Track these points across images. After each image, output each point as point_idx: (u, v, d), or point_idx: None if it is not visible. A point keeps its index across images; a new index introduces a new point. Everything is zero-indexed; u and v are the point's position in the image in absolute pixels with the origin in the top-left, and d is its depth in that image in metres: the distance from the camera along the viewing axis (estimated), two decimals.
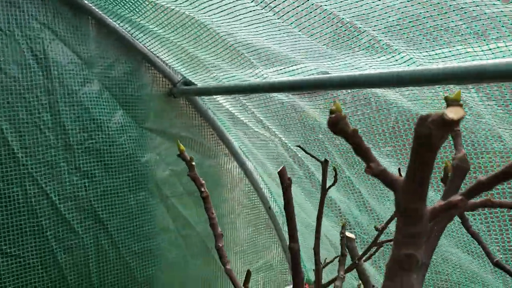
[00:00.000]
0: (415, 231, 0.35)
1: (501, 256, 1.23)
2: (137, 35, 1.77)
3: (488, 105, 0.92)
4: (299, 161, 1.68)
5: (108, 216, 1.79)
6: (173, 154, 2.03)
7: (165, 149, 2.01)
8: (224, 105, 1.82)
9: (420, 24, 0.75)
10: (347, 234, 1.02)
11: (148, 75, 1.95)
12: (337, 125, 0.34)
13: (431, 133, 0.29)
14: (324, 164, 0.91)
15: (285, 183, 0.59)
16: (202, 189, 0.79)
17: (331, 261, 1.15)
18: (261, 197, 2.31)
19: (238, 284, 0.75)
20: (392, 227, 1.28)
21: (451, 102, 0.38)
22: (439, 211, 0.34)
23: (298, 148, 1.64)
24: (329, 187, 0.93)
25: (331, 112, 0.34)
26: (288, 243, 0.64)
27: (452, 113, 0.28)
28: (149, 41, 1.76)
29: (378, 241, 1.03)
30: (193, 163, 0.77)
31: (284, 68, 1.33)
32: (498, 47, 0.72)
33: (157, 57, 1.90)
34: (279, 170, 0.59)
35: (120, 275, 1.82)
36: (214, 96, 1.83)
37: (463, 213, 0.68)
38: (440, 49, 0.80)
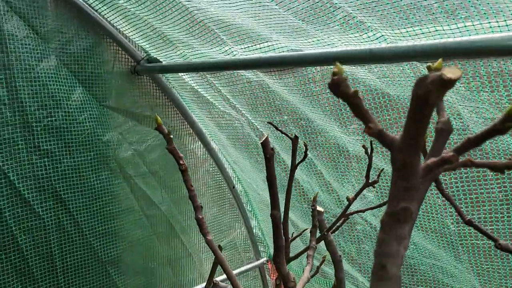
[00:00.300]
0: (410, 185, 0.37)
1: (454, 228, 1.33)
2: (99, 7, 1.70)
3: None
4: None
5: (69, 196, 1.73)
6: (136, 133, 1.99)
7: (128, 129, 1.96)
8: (190, 84, 1.80)
9: (394, 2, 0.78)
10: (318, 208, 1.05)
11: (109, 52, 1.89)
12: (339, 86, 0.35)
13: (430, 93, 0.31)
14: (294, 140, 0.93)
15: (268, 154, 0.61)
16: (181, 162, 0.78)
17: (300, 234, 1.19)
18: (226, 176, 2.32)
19: (219, 253, 0.77)
20: (354, 206, 1.33)
21: (434, 70, 0.41)
22: (432, 167, 0.37)
23: (265, 127, 1.66)
24: (299, 162, 0.96)
25: (334, 74, 0.35)
26: (271, 211, 0.66)
27: (450, 73, 0.30)
28: (112, 14, 1.70)
29: (346, 213, 1.08)
30: (171, 136, 0.77)
31: (254, 45, 1.33)
32: (465, 26, 0.77)
33: (120, 32, 1.84)
34: (262, 140, 0.60)
35: (83, 256, 1.78)
36: (180, 74, 1.81)
37: (437, 177, 0.73)
38: (411, 27, 0.83)
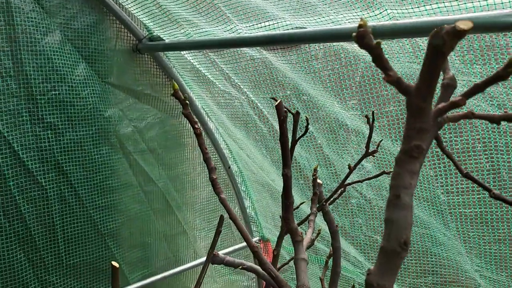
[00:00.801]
0: (423, 126, 0.42)
1: (444, 198, 1.42)
2: None
3: (449, 56, 1.06)
4: (264, 119, 1.77)
5: (71, 168, 1.77)
6: (136, 110, 2.03)
7: (128, 106, 2.00)
8: (191, 62, 1.86)
9: None
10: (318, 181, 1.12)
11: (112, 29, 1.92)
12: (363, 38, 0.40)
13: (445, 43, 0.34)
14: (296, 115, 0.99)
15: (282, 116, 0.67)
16: (196, 126, 0.83)
17: (298, 206, 1.26)
18: (221, 157, 2.38)
19: (232, 211, 0.83)
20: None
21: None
22: (443, 110, 0.43)
23: (267, 104, 1.72)
24: (300, 136, 1.02)
25: (360, 26, 0.40)
26: (282, 170, 0.71)
27: (463, 25, 0.33)
28: None
29: (346, 182, 1.15)
30: (187, 101, 0.82)
31: (259, 24, 1.40)
32: (465, 3, 0.85)
33: (123, 10, 1.88)
34: (276, 103, 0.66)
35: (84, 227, 1.82)
36: (183, 53, 1.85)
37: (438, 135, 0.80)
38: (417, 6, 0.91)
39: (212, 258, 1.01)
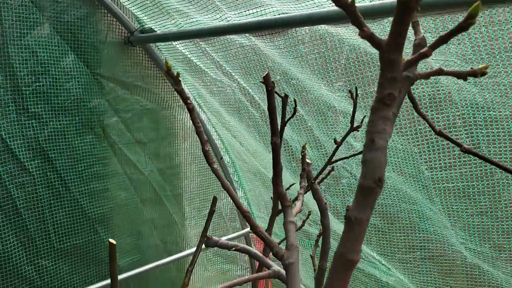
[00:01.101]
0: (394, 75, 0.48)
1: (428, 174, 1.49)
2: None
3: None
4: (256, 105, 1.82)
5: (56, 155, 1.82)
6: (124, 101, 2.07)
7: (117, 97, 2.04)
8: (183, 52, 1.90)
9: None
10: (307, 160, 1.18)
11: (103, 22, 1.96)
12: None
13: None
14: (284, 98, 1.04)
15: (269, 87, 0.72)
16: (188, 101, 0.88)
17: (289, 187, 1.31)
18: (214, 148, 2.42)
19: (223, 180, 0.88)
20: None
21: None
22: (412, 61, 0.48)
23: (258, 90, 1.77)
24: (289, 118, 1.07)
25: None
26: (271, 139, 0.76)
27: None
28: None
29: (332, 160, 1.20)
30: (180, 78, 0.87)
31: (247, 10, 1.45)
32: None
33: (115, 3, 1.91)
34: (264, 75, 0.72)
35: (71, 212, 1.87)
36: (174, 43, 1.90)
37: (413, 97, 0.86)
38: None
39: (206, 241, 1.05)
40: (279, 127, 0.92)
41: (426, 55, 0.49)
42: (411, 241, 1.71)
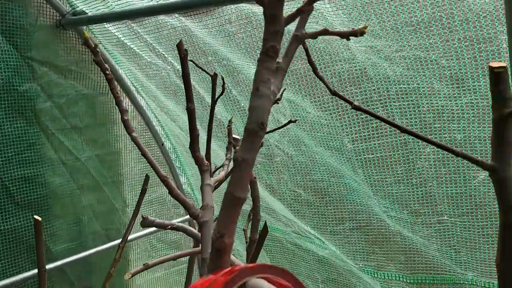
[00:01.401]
0: (276, 29, 0.53)
1: (351, 146, 1.59)
2: None
3: (337, 14, 1.21)
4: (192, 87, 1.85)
5: None
6: (57, 86, 2.03)
7: (49, 81, 2.00)
8: (117, 35, 1.90)
9: None
10: (234, 136, 1.23)
11: (33, 4, 1.91)
12: None
13: None
14: (214, 77, 1.09)
15: (182, 54, 0.76)
16: (107, 72, 0.90)
17: (220, 166, 1.35)
18: (154, 134, 2.43)
19: (144, 148, 0.92)
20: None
21: None
22: (292, 16, 0.54)
23: (191, 75, 1.81)
24: (218, 97, 1.12)
25: None
26: (186, 105, 0.79)
27: None
28: None
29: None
30: (98, 49, 0.89)
31: None
32: None
33: None
34: (177, 43, 0.76)
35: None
36: (107, 26, 1.89)
37: (312, 61, 0.92)
38: None
39: (142, 221, 1.08)
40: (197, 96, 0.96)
41: (302, 10, 0.56)
42: (341, 213, 1.81)
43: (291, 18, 0.56)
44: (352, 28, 0.59)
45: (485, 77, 1.20)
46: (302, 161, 1.77)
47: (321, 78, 0.97)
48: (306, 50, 0.93)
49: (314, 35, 0.65)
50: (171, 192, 0.88)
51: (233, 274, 0.39)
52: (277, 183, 1.89)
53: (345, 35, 0.61)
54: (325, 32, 0.65)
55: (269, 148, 1.83)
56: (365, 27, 0.60)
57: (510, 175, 0.52)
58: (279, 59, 0.59)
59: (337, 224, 1.84)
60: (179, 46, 0.75)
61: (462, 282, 1.65)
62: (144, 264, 1.22)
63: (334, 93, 0.95)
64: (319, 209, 1.86)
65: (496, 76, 0.48)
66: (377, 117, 0.85)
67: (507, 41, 1.04)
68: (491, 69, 0.47)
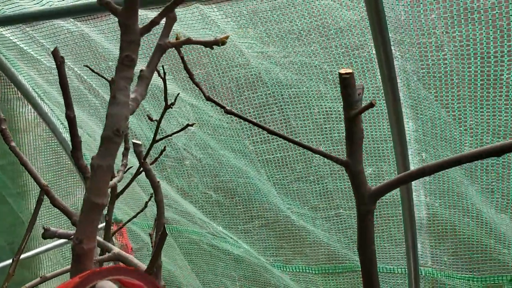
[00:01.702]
0: (131, 39, 0.55)
1: (252, 147, 1.66)
2: None
3: (227, 22, 1.26)
4: (94, 92, 1.81)
5: None
6: None
7: None
8: (13, 40, 1.80)
9: None
10: (134, 141, 1.23)
11: None
12: None
13: None
14: (111, 82, 1.08)
15: (58, 61, 0.76)
16: None
17: (128, 169, 1.35)
18: (62, 142, 2.33)
19: (23, 157, 0.90)
20: None
21: None
22: (146, 28, 0.56)
23: (92, 79, 1.77)
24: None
25: None
26: (65, 113, 0.80)
27: None
28: None
29: (157, 139, 1.27)
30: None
31: None
32: None
33: None
34: (52, 51, 0.75)
35: None
36: (0, 30, 1.79)
37: (188, 68, 0.95)
38: None
39: (43, 233, 1.04)
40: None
41: (155, 22, 0.58)
42: (250, 212, 1.88)
43: (145, 30, 0.59)
44: (215, 38, 0.62)
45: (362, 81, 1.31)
46: (211, 163, 1.81)
47: (197, 84, 1.00)
48: (182, 58, 0.96)
49: (178, 44, 0.68)
50: (52, 201, 0.87)
51: (82, 278, 0.42)
52: (188, 186, 1.91)
53: (209, 44, 0.65)
54: (188, 41, 0.68)
55: (178, 152, 1.85)
56: (227, 37, 0.63)
57: (360, 169, 0.58)
58: (143, 67, 0.61)
59: (247, 222, 1.90)
60: (55, 53, 0.74)
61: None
62: (41, 277, 1.18)
63: (208, 98, 0.99)
64: (229, 209, 1.91)
65: (344, 81, 0.54)
66: (248, 121, 0.90)
67: (374, 47, 1.15)
68: (340, 75, 0.53)
